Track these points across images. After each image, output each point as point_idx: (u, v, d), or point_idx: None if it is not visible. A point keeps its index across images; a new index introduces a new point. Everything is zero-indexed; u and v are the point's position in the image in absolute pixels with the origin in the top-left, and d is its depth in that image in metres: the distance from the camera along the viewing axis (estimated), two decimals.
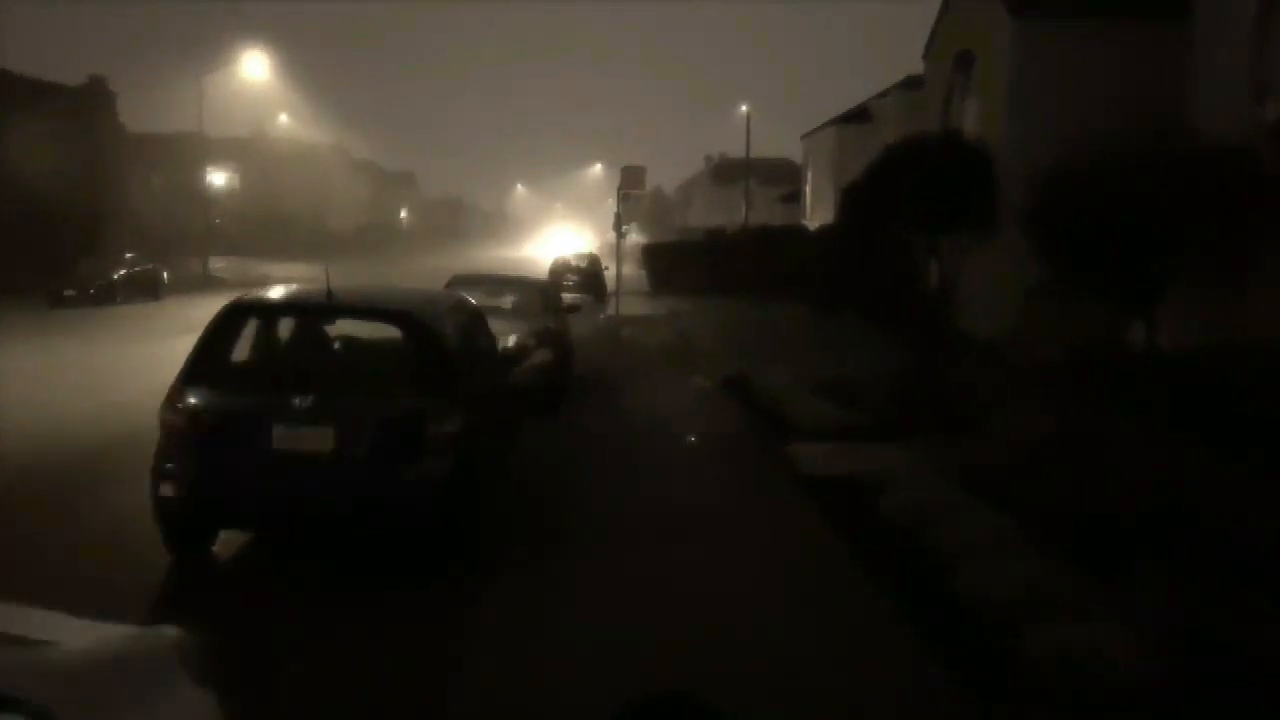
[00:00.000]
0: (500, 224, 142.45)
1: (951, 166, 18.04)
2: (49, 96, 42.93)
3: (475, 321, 7.81)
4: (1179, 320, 12.99)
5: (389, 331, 6.79)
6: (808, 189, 39.92)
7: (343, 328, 7.54)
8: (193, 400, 5.95)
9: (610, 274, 30.60)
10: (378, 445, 5.94)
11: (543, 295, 13.41)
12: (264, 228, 70.30)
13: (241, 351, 6.51)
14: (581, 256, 38.23)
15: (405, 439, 5.94)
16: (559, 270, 36.16)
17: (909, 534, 6.52)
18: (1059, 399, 11.56)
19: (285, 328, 7.24)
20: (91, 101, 46.75)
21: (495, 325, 12.37)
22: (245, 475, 5.92)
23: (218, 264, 50.82)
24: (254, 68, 47.37)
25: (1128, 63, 17.77)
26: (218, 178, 79.13)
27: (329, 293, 6.37)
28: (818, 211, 37.05)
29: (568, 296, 34.65)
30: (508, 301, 13.28)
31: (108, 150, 47.92)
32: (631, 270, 40.21)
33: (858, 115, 34.94)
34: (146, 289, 32.92)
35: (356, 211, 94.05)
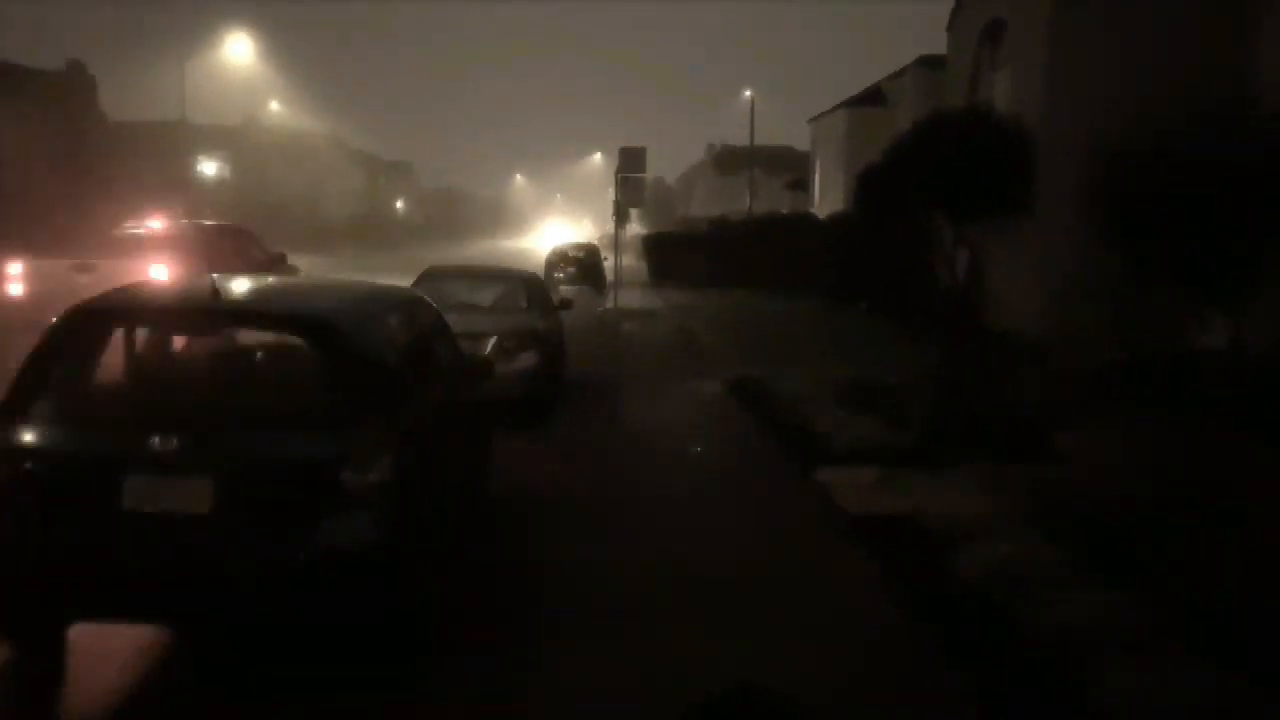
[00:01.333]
0: (500, 214, 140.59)
1: (983, 145, 16.31)
2: (25, 82, 41.26)
3: (425, 328, 6.14)
4: (1257, 317, 11.32)
5: (298, 344, 5.06)
6: (816, 176, 38.18)
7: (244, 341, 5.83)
8: (15, 441, 4.28)
9: (610, 265, 28.89)
10: (273, 503, 4.27)
11: (528, 290, 11.69)
12: (257, 218, 68.48)
13: (90, 374, 4.71)
14: (579, 247, 36.57)
15: (312, 493, 4.27)
16: (556, 261, 34.47)
17: (1004, 613, 4.83)
18: (1132, 412, 9.89)
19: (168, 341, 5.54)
20: (70, 87, 45.07)
21: (471, 326, 10.74)
22: (87, 547, 4.24)
23: None
24: (238, 51, 45.60)
25: (1176, 25, 16.04)
26: (208, 167, 77.72)
27: (214, 293, 4.69)
28: (826, 199, 35.33)
29: (565, 289, 33.24)
30: (487, 298, 11.59)
31: (88, 138, 46.26)
32: (632, 261, 38.50)
33: (869, 98, 33.20)
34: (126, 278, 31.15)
35: (352, 202, 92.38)
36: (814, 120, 38.55)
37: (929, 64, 29.93)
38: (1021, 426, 8.86)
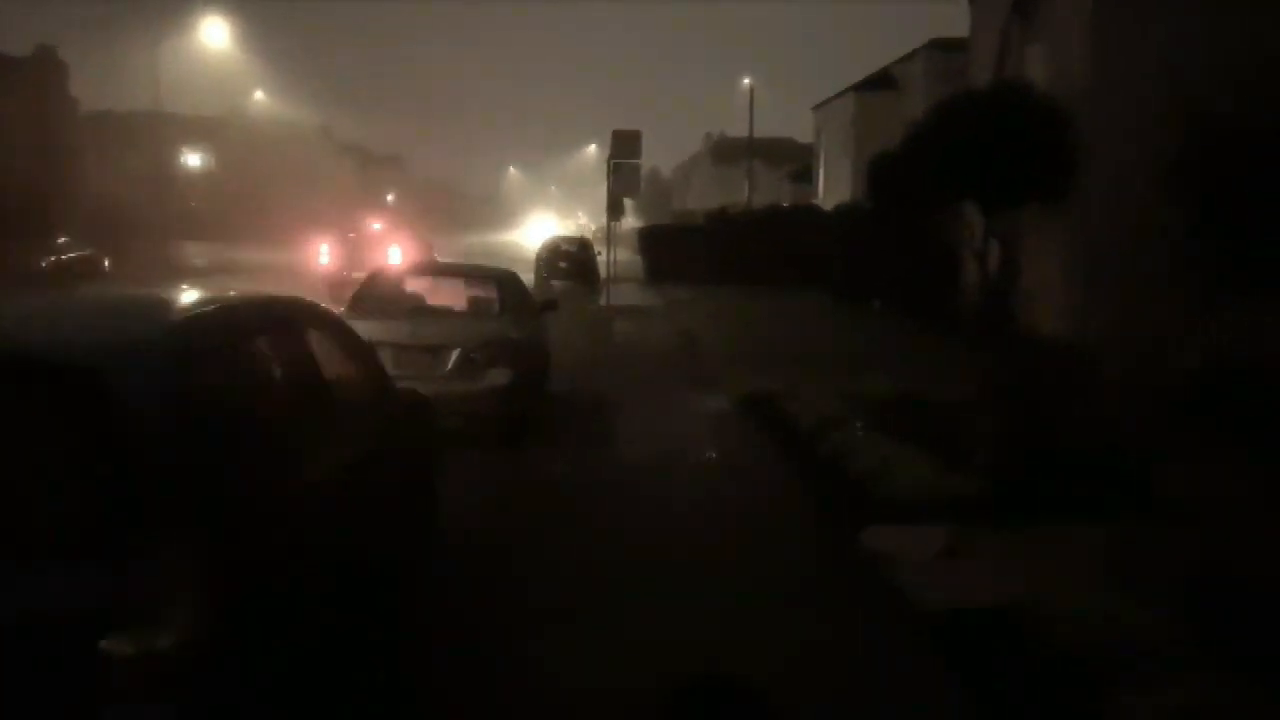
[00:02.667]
0: (493, 208, 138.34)
1: (1020, 125, 14.46)
2: None
3: (309, 358, 4.15)
4: None
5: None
6: (820, 165, 36.32)
7: None
8: None
9: (604, 260, 27.06)
10: None
11: (502, 291, 9.79)
12: (243, 211, 66.68)
13: None
14: (572, 240, 34.75)
15: (56, 674, 2.41)
16: (547, 255, 32.61)
17: None
18: (1225, 438, 8.04)
19: None
20: (40, 73, 43.04)
21: (429, 336, 8.87)
22: None
23: (192, 249, 47.34)
24: (214, 37, 43.60)
25: None
26: (192, 158, 75.71)
27: None
28: (832, 189, 33.50)
29: (556, 284, 31.40)
30: (452, 301, 9.70)
31: (58, 126, 44.27)
32: (627, 255, 36.64)
33: (879, 82, 31.34)
34: (85, 278, 29.28)
35: (341, 195, 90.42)
36: (818, 107, 36.67)
37: (941, 47, 28.10)
38: (1118, 463, 7.03)
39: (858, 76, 34.60)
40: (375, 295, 9.50)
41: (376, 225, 25.29)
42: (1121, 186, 13.88)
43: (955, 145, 15.11)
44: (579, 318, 21.16)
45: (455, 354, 8.71)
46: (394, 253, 20.58)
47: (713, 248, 32.76)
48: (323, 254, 21.59)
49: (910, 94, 28.93)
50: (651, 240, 36.61)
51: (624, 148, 19.75)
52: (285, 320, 4.14)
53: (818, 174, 37.04)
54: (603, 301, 24.57)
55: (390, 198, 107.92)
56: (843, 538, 6.28)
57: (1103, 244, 14.26)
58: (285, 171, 77.39)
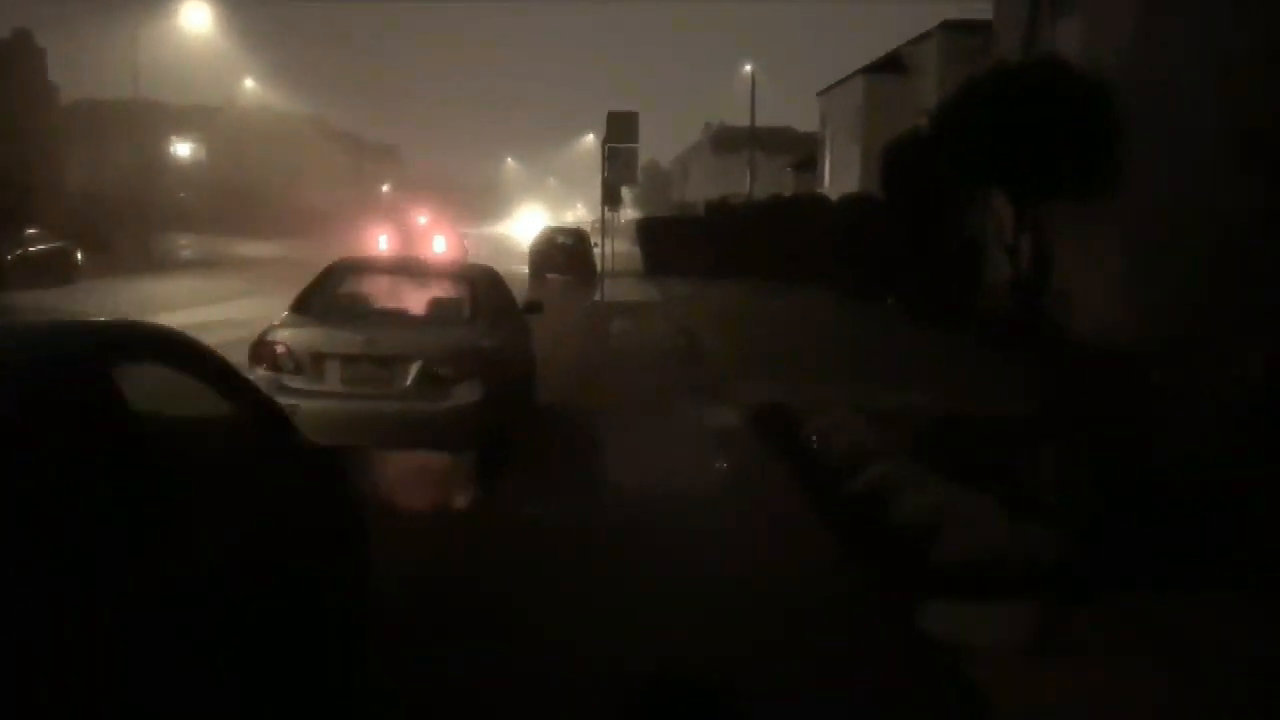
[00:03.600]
0: (491, 199, 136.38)
1: (1057, 104, 13.05)
2: None
3: (115, 419, 2.70)
4: None
5: None
6: (826, 154, 34.85)
7: None
8: None
9: (600, 252, 25.69)
10: None
11: (475, 291, 8.34)
12: (234, 202, 65.27)
13: None
14: (568, 232, 33.37)
15: None
16: (541, 248, 31.19)
17: None
18: None
19: None
20: (16, 58, 41.48)
21: (382, 346, 7.48)
22: None
23: (183, 241, 45.92)
24: (195, 21, 42.05)
25: None
26: (182, 149, 74.24)
27: None
28: (838, 179, 32.05)
29: (552, 277, 29.96)
30: (415, 303, 8.26)
31: (36, 113, 42.71)
32: (624, 248, 35.23)
33: (888, 65, 29.86)
34: (54, 272, 27.77)
35: (335, 186, 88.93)
36: (824, 93, 35.18)
37: (956, 28, 26.65)
38: (1220, 507, 5.64)
39: (858, 64, 33.20)
40: (325, 295, 8.10)
41: (422, 219, 28.71)
42: (1174, 171, 12.48)
43: (985, 127, 13.70)
44: (573, 315, 19.78)
45: (415, 367, 7.31)
46: (439, 242, 22.95)
47: (714, 240, 31.34)
48: (381, 243, 24.42)
49: (922, 78, 27.48)
50: (650, 232, 35.19)
51: (620, 130, 18.26)
52: (89, 358, 2.72)
53: (822, 163, 35.57)
54: (598, 297, 23.18)
55: (386, 188, 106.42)
56: (892, 614, 4.88)
57: (1152, 237, 12.85)
58: (277, 162, 75.88)
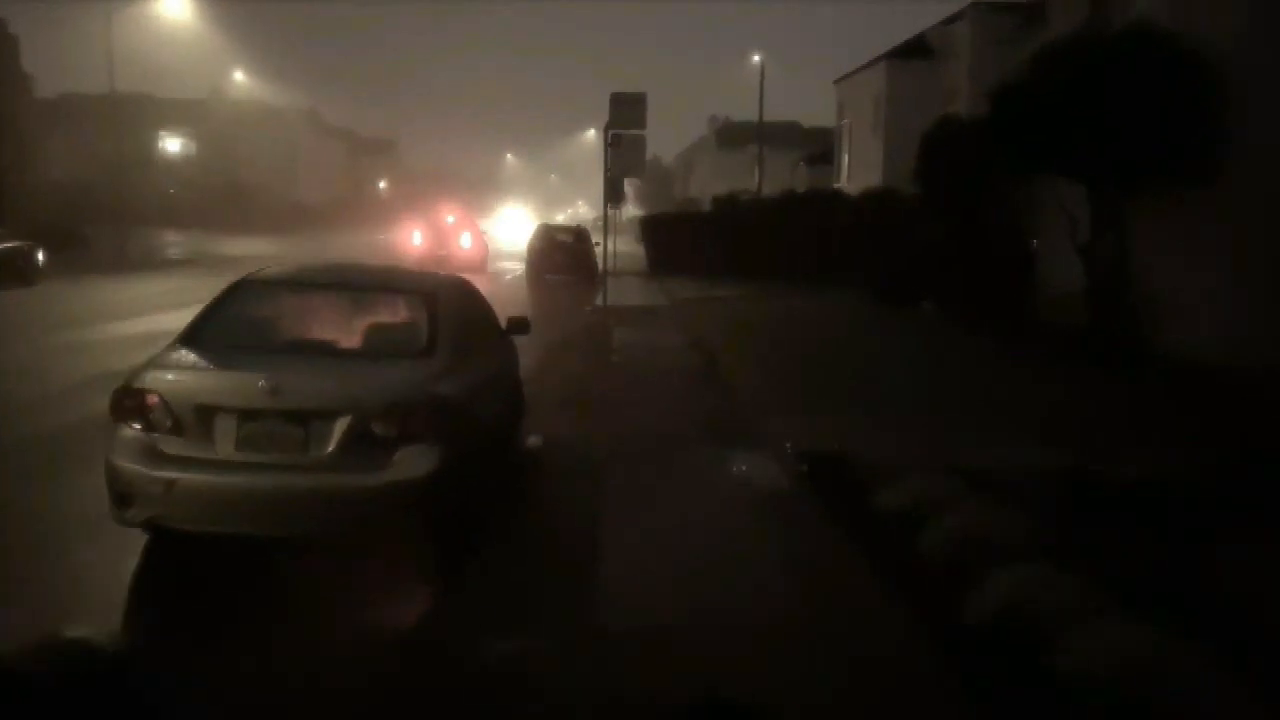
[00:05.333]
0: (490, 195, 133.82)
1: (1156, 79, 10.85)
2: None
3: None
4: None
5: None
6: (845, 146, 32.62)
7: None
8: None
9: (602, 251, 23.52)
10: None
11: (435, 312, 6.10)
12: (225, 199, 63.19)
13: None
14: (568, 230, 31.25)
15: None
16: (540, 246, 29.04)
17: None
18: None
19: None
20: None
21: (296, 397, 5.25)
22: None
23: (171, 239, 43.78)
24: (174, 9, 39.82)
25: None
26: (171, 143, 72.06)
27: None
28: (859, 172, 29.84)
29: (550, 278, 27.75)
30: (351, 331, 6.04)
31: (9, 105, 40.57)
32: (626, 247, 33.04)
33: (913, 49, 27.64)
34: (12, 273, 25.52)
35: (329, 182, 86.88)
36: (841, 81, 32.93)
37: (989, 8, 24.44)
38: None
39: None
40: (224, 323, 5.89)
41: (450, 218, 30.65)
42: None
43: (1058, 106, 11.50)
44: (571, 323, 17.59)
45: (342, 424, 5.12)
46: (465, 238, 27.90)
47: (722, 238, 29.17)
48: (415, 237, 27.95)
49: (951, 62, 25.28)
50: (655, 230, 33.01)
51: (625, 115, 15.99)
52: None
53: (840, 156, 33.34)
54: (600, 301, 20.99)
55: (383, 184, 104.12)
56: None
57: (1266, 235, 10.67)
58: (270, 157, 73.70)
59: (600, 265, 23.76)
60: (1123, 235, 12.01)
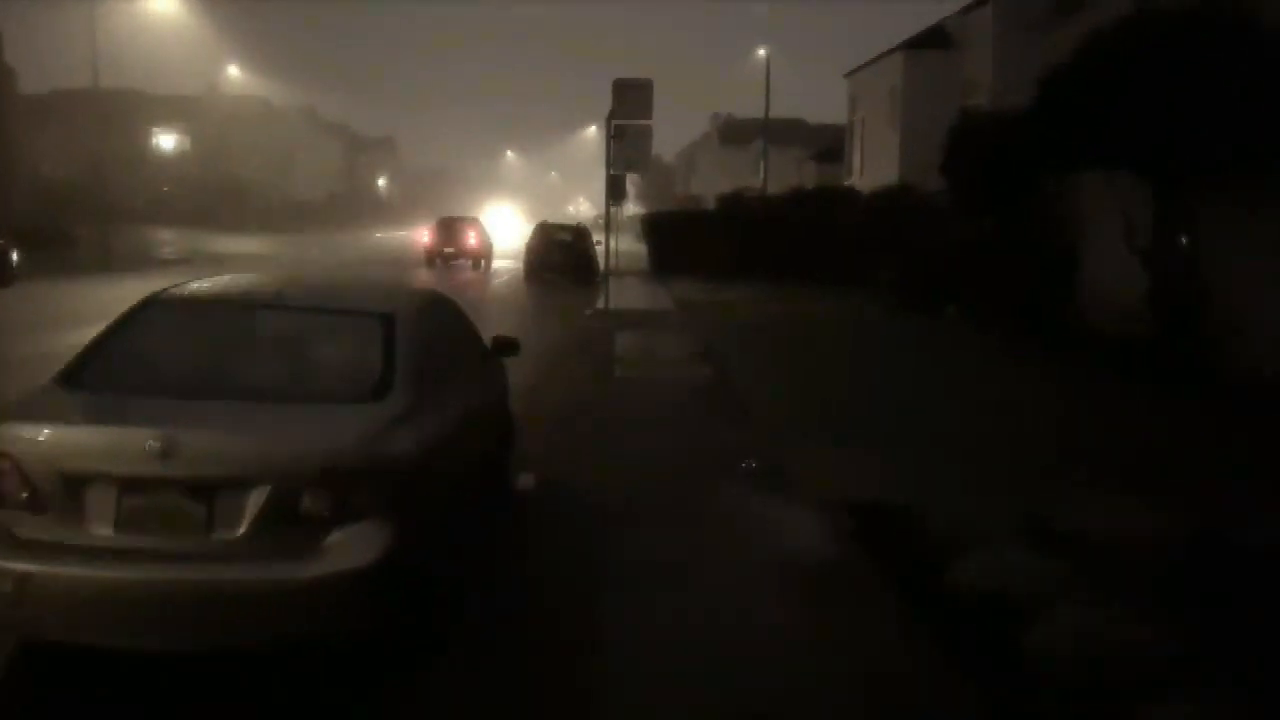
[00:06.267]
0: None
1: (1238, 60, 9.52)
2: None
3: None
4: None
5: None
6: (857, 141, 31.28)
7: None
8: None
9: (607, 250, 22.21)
10: None
11: (388, 341, 4.71)
12: (220, 197, 62.00)
13: None
14: (567, 228, 29.98)
15: None
16: (538, 245, 27.74)
17: None
18: None
19: None
20: None
21: (208, 454, 3.85)
22: None
23: (164, 237, 42.47)
24: (162, 4, 38.47)
25: None
26: (164, 140, 70.70)
27: None
28: (872, 168, 28.52)
29: (549, 277, 26.47)
30: (282, 370, 4.67)
31: None
32: (627, 245, 31.72)
33: (931, 39, 26.31)
34: None
35: (327, 179, 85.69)
36: (853, 74, 31.59)
37: None
38: None
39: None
40: (125, 352, 4.56)
41: (460, 216, 34.05)
42: None
43: (1123, 90, 10.18)
44: (569, 330, 16.28)
45: (257, 498, 3.80)
46: (471, 236, 30.11)
47: (728, 237, 27.86)
48: (425, 235, 30.52)
49: (972, 51, 23.96)
50: (658, 228, 31.70)
51: (629, 103, 14.56)
52: None
53: (851, 152, 32.00)
54: (601, 304, 19.68)
55: (381, 182, 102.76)
56: None
57: None
58: (266, 154, 72.41)
59: (602, 265, 22.49)
60: (1195, 238, 10.68)
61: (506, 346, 6.72)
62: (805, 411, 9.63)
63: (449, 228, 30.52)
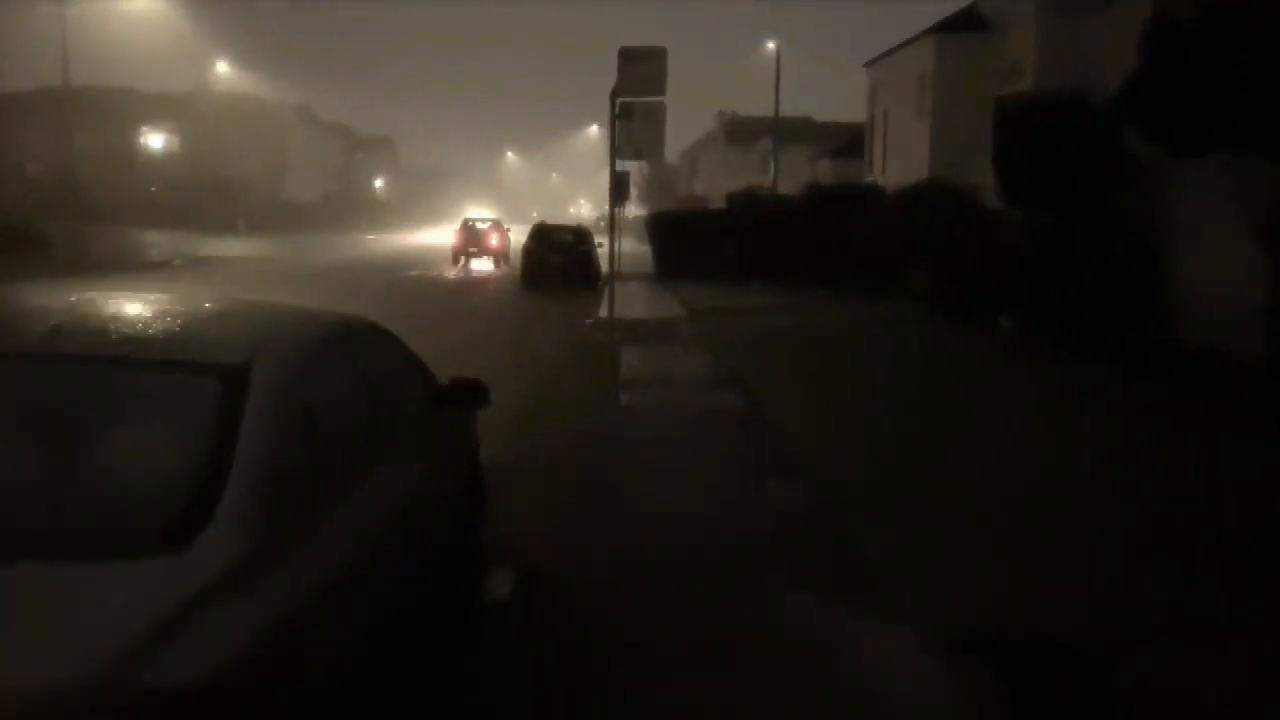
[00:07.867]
0: (491, 194, 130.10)
1: None
2: None
3: None
4: None
5: None
6: (880, 135, 29.13)
7: None
8: None
9: (610, 253, 20.11)
10: None
11: (227, 417, 2.45)
12: (212, 197, 60.11)
13: None
14: (567, 229, 27.97)
15: None
16: (535, 247, 25.67)
17: None
18: None
19: None
20: None
21: None
22: None
23: (151, 239, 40.47)
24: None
25: None
26: (154, 139, 68.63)
27: None
28: (897, 162, 26.38)
29: (546, 281, 24.44)
30: (34, 483, 2.53)
31: None
32: (630, 247, 29.64)
33: (964, 21, 24.16)
34: None
35: (323, 180, 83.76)
36: (874, 63, 29.45)
37: None
38: None
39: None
40: None
41: (482, 218, 37.36)
42: None
43: (1260, 56, 8.06)
44: (569, 344, 14.14)
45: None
46: (494, 237, 33.33)
47: (740, 238, 25.73)
48: (452, 235, 33.36)
49: (1010, 33, 21.78)
50: (663, 228, 29.59)
51: (638, 77, 12.19)
52: None
53: (872, 146, 29.85)
54: (604, 312, 17.54)
55: (379, 183, 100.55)
56: None
57: None
58: (259, 153, 70.35)
59: (604, 269, 20.44)
60: None
61: (469, 395, 4.57)
62: (872, 468, 7.47)
63: (473, 229, 34.12)
